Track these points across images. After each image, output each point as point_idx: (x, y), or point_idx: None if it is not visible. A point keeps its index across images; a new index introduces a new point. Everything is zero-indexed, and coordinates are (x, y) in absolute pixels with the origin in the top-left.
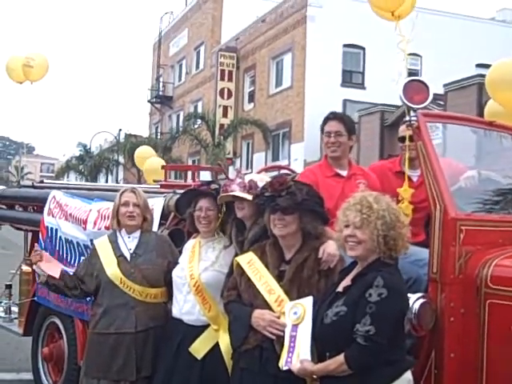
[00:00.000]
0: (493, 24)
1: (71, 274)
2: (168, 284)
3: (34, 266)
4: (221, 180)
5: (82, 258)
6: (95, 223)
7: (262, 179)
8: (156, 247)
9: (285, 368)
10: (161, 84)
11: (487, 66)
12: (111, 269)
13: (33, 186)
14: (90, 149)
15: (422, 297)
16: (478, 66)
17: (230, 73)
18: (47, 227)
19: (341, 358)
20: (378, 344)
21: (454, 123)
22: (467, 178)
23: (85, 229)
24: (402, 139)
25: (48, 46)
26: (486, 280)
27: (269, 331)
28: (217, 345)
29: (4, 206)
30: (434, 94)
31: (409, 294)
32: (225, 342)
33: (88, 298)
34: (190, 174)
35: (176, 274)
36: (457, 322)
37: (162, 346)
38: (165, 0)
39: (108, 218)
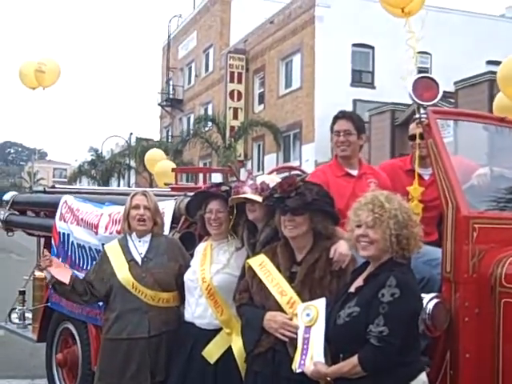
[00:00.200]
0: (502, 21)
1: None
2: (180, 288)
3: (44, 271)
4: (232, 182)
5: (94, 262)
6: (106, 228)
7: (273, 180)
8: (167, 251)
9: (298, 371)
10: (171, 87)
11: (498, 63)
12: (122, 273)
13: (44, 191)
14: (101, 153)
15: (436, 297)
16: (489, 62)
17: (240, 75)
18: (59, 232)
19: (354, 359)
20: (392, 344)
21: (465, 120)
22: (479, 175)
23: (96, 233)
24: (413, 137)
25: (58, 51)
26: (501, 279)
27: (281, 333)
28: (229, 348)
29: (16, 212)
30: (445, 92)
31: (422, 294)
32: (237, 345)
33: (100, 303)
34: (201, 176)
35: (188, 277)
36: (471, 321)
37: (175, 351)
38: (173, 3)
39: (119, 222)
